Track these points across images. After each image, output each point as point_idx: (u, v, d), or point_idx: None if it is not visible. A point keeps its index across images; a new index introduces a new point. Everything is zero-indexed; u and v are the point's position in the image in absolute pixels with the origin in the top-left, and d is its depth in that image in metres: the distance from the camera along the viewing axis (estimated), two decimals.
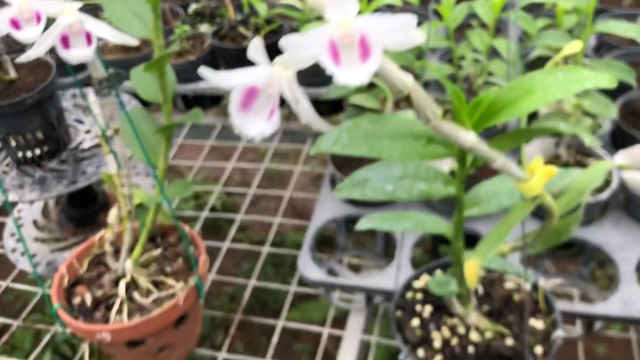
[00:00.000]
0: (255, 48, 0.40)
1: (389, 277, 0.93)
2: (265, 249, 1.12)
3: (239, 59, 1.34)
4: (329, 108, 1.41)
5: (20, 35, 0.54)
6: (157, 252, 0.91)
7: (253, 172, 1.37)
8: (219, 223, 1.27)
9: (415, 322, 0.77)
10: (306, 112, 0.42)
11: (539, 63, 1.14)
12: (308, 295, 1.11)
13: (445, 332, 0.76)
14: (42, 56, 1.04)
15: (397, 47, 0.39)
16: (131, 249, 0.87)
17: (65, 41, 0.55)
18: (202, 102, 1.47)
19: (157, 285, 0.87)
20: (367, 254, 1.07)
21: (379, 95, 1.00)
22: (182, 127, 1.42)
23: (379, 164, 0.59)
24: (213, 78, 0.41)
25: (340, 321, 1.00)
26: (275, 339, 0.95)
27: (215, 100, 1.49)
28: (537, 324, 0.75)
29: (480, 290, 0.81)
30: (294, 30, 1.40)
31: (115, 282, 0.87)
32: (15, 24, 0.55)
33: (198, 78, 1.42)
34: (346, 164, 1.06)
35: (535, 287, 0.79)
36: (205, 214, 1.21)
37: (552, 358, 0.71)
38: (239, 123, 0.41)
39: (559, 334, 0.72)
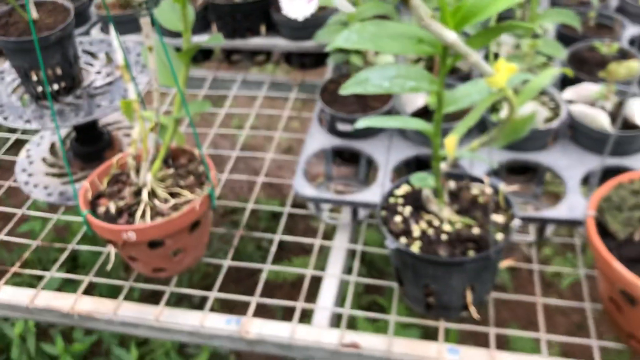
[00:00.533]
0: None
1: (373, 193, 1.07)
2: (260, 179, 1.25)
3: (231, 15, 1.46)
4: (313, 61, 1.55)
5: None
6: (170, 170, 1.04)
7: (245, 116, 1.50)
8: (217, 160, 1.40)
9: (398, 218, 0.92)
10: None
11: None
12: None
13: (423, 224, 0.91)
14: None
15: None
16: (151, 164, 0.99)
17: None
18: (195, 57, 1.58)
19: (173, 196, 0.99)
20: (351, 182, 1.22)
21: None
22: (204, 81, 1.55)
23: (376, 67, 0.74)
24: None
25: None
26: (273, 248, 1.09)
27: (207, 55, 1.61)
28: (498, 218, 0.91)
29: (451, 194, 0.96)
30: None
31: (136, 193, 0.99)
32: None
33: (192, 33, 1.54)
34: (333, 101, 1.20)
35: (496, 190, 0.95)
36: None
37: (509, 241, 0.87)
38: (285, 6, 0.54)
39: (516, 223, 0.88)
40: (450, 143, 0.67)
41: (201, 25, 1.52)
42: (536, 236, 1.09)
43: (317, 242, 1.11)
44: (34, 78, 1.12)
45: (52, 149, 1.36)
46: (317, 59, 1.54)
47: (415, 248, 0.87)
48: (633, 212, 0.84)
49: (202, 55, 1.60)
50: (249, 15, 1.46)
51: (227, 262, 1.08)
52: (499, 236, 0.88)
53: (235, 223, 1.20)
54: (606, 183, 0.90)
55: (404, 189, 0.98)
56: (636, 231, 0.81)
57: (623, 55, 1.24)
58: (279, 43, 1.48)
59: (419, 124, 0.80)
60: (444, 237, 0.88)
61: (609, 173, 1.10)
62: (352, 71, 1.22)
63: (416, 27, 0.68)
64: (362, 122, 0.80)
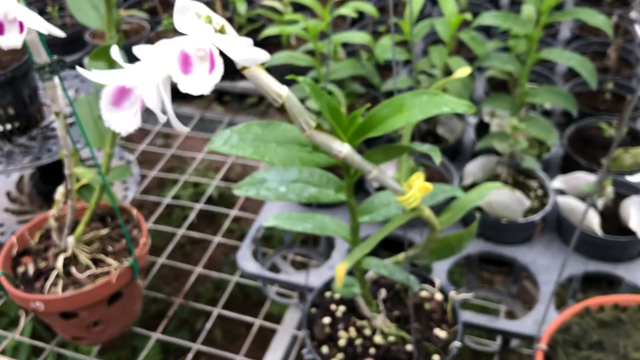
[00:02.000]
0: (116, 51, 0.44)
1: (320, 276, 0.96)
2: (217, 239, 1.16)
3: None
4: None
5: None
6: (104, 231, 0.96)
7: (255, 165, 1.42)
8: (214, 214, 1.32)
9: (327, 320, 0.81)
10: (169, 115, 0.46)
11: (491, 83, 1.17)
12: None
13: (352, 332, 0.79)
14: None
15: (247, 63, 0.43)
16: (74, 227, 0.92)
17: (0, 27, 0.60)
18: (183, 95, 1.51)
19: (97, 262, 0.92)
20: (312, 253, 1.11)
21: None
22: (190, 120, 1.47)
23: (277, 167, 0.63)
24: (89, 75, 0.46)
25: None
26: (209, 324, 1.00)
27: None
28: (441, 333, 0.79)
29: (394, 295, 0.84)
30: None
31: (57, 256, 0.92)
32: None
33: None
34: None
35: (446, 298, 0.83)
36: (200, 205, 1.27)
37: None
38: (107, 118, 0.45)
39: (456, 344, 0.75)
40: (340, 272, 0.56)
41: None
42: (500, 345, 0.95)
43: (258, 322, 1.01)
44: None
45: (20, 182, 1.31)
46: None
47: None
48: (593, 353, 0.70)
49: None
50: None
51: (155, 335, 1.00)
52: (435, 357, 0.76)
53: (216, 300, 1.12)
54: (571, 308, 0.76)
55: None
56: None
57: (634, 138, 1.08)
58: (238, 84, 1.39)
59: (339, 230, 0.69)
60: (372, 351, 0.77)
61: (594, 280, 0.96)
62: None
63: None
64: (269, 222, 0.70)
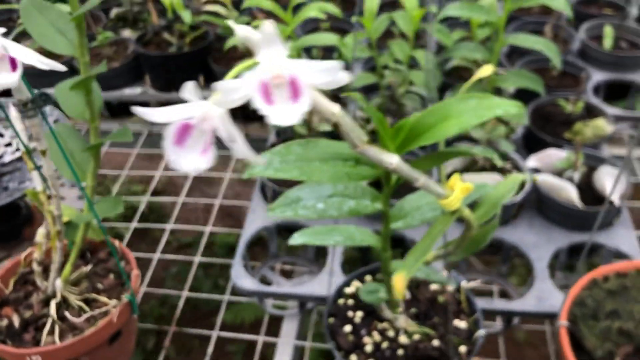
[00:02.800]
0: (189, 89, 0.41)
1: (321, 284, 0.96)
2: (197, 259, 1.12)
3: (164, 67, 1.33)
4: (257, 113, 1.42)
5: None
6: (87, 268, 0.90)
7: (182, 179, 1.36)
8: (150, 232, 1.26)
9: (347, 328, 0.80)
10: (240, 148, 0.43)
11: (455, 72, 1.20)
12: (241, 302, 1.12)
13: (376, 336, 0.79)
14: None
15: (325, 87, 0.41)
16: (61, 268, 0.85)
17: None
18: (127, 109, 1.45)
19: (89, 302, 0.86)
20: (299, 260, 1.10)
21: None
22: (139, 136, 1.39)
23: (310, 183, 0.62)
24: (148, 115, 0.42)
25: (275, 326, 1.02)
26: (210, 349, 0.96)
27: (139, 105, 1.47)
28: (461, 324, 0.80)
29: (407, 294, 0.85)
30: (219, 37, 1.41)
31: (45, 302, 0.85)
32: None
33: (122, 85, 1.40)
34: None
35: (458, 288, 0.84)
36: (134, 224, 1.20)
37: (475, 356, 0.76)
38: (173, 158, 0.42)
39: (481, 333, 0.77)
40: (399, 283, 0.56)
41: (132, 76, 1.38)
42: (503, 326, 0.99)
43: (261, 339, 0.99)
44: None
45: None
46: None
47: None
48: (611, 322, 0.74)
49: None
50: (185, 67, 1.33)
51: None
52: (462, 349, 0.77)
53: (164, 317, 1.06)
54: (579, 282, 0.80)
55: (354, 286, 0.87)
56: (617, 350, 0.71)
57: (589, 112, 1.14)
58: None
59: (368, 239, 0.68)
60: (400, 352, 0.77)
61: (579, 249, 1.01)
62: (296, 137, 1.10)
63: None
64: (297, 239, 0.68)
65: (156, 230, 1.22)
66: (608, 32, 1.34)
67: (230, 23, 0.46)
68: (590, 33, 1.39)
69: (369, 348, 0.78)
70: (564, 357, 0.73)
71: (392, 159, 0.52)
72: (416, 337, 0.78)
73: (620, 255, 0.97)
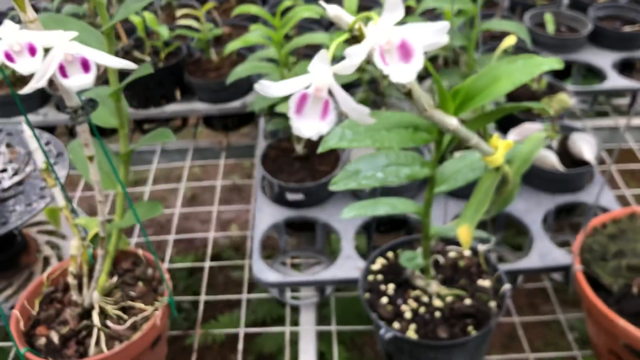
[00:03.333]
0: (321, 56, 0.46)
1: (341, 268, 1.00)
2: (207, 263, 1.14)
3: (141, 84, 1.34)
4: (236, 122, 1.46)
5: (17, 67, 0.54)
6: (114, 279, 0.91)
7: (175, 192, 1.37)
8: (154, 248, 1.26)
9: (384, 299, 0.86)
10: (356, 107, 0.48)
11: (432, 61, 1.29)
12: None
13: (412, 303, 0.85)
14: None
15: (431, 49, 0.47)
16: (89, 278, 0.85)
17: (62, 70, 0.56)
18: (102, 130, 1.44)
19: (125, 310, 0.86)
20: (308, 253, 1.14)
21: None
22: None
23: (365, 156, 0.67)
24: (271, 88, 0.46)
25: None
26: (240, 345, 0.99)
27: None
28: (485, 282, 0.87)
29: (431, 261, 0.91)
30: (191, 49, 1.43)
31: (81, 316, 0.85)
32: (8, 56, 0.55)
33: None
34: (278, 170, 1.12)
35: (475, 252, 0.92)
36: (134, 239, 1.20)
37: (504, 309, 0.83)
38: (296, 125, 0.46)
39: (507, 287, 0.84)
40: (465, 235, 0.62)
41: None
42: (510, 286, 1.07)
43: (287, 329, 1.02)
44: None
45: None
46: (240, 119, 1.45)
47: (412, 333, 0.80)
48: (619, 260, 0.83)
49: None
50: (162, 82, 1.35)
51: None
52: (492, 304, 0.84)
53: (187, 319, 1.07)
54: (581, 232, 0.89)
55: (379, 263, 0.92)
56: (632, 284, 0.80)
57: (551, 88, 1.26)
58: (198, 107, 1.38)
59: (409, 207, 0.74)
60: (437, 314, 0.83)
61: (565, 210, 1.10)
62: (293, 137, 1.14)
63: (409, 114, 0.62)
64: (348, 213, 0.73)
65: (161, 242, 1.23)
66: (548, 18, 1.48)
67: (322, 3, 0.51)
68: (534, 20, 1.52)
69: (408, 315, 0.83)
70: (585, 297, 0.82)
71: (452, 121, 0.59)
72: (449, 299, 0.85)
73: (602, 210, 1.07)
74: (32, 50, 0.56)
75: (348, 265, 1.01)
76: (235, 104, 1.36)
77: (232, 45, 1.03)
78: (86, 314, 0.85)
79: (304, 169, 1.12)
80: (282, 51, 1.05)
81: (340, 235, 1.06)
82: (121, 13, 0.69)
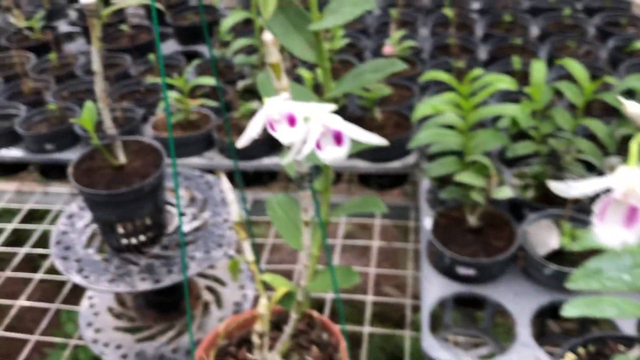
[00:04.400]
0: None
1: (519, 355, 0.94)
2: (367, 329, 1.11)
3: None
4: (390, 182, 1.44)
5: (277, 136, 0.55)
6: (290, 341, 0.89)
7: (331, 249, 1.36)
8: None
9: None
10: None
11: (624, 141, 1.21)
12: None
13: None
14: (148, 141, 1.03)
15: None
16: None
17: (317, 143, 0.55)
18: (261, 178, 1.47)
19: None
20: (472, 332, 1.08)
21: (484, 172, 1.03)
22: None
23: (607, 255, 0.62)
24: (565, 189, 0.43)
25: None
26: None
27: (273, 176, 1.50)
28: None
29: None
30: (352, 107, 1.44)
31: None
32: (271, 125, 0.55)
33: (260, 155, 1.43)
34: (449, 240, 1.08)
35: None
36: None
37: None
38: (597, 232, 0.42)
39: None
40: None
41: (269, 146, 1.41)
42: None
43: None
44: (120, 230, 0.98)
45: (119, 295, 1.20)
46: (395, 179, 1.43)
47: None
48: None
49: (269, 176, 1.48)
50: None
51: None
52: None
53: None
54: None
55: (569, 358, 0.85)
56: None
57: None
58: (359, 165, 1.37)
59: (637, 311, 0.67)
60: None
61: None
62: (466, 207, 1.10)
63: None
64: (571, 310, 0.67)
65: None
66: None
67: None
68: None
69: None
70: None
71: None
72: None
73: None
74: (290, 120, 0.56)
75: (525, 353, 0.94)
76: (396, 165, 1.34)
77: (421, 111, 1.01)
78: None
79: (477, 243, 1.07)
80: (468, 119, 1.02)
81: (515, 318, 1.00)
82: (347, 85, 0.68)
